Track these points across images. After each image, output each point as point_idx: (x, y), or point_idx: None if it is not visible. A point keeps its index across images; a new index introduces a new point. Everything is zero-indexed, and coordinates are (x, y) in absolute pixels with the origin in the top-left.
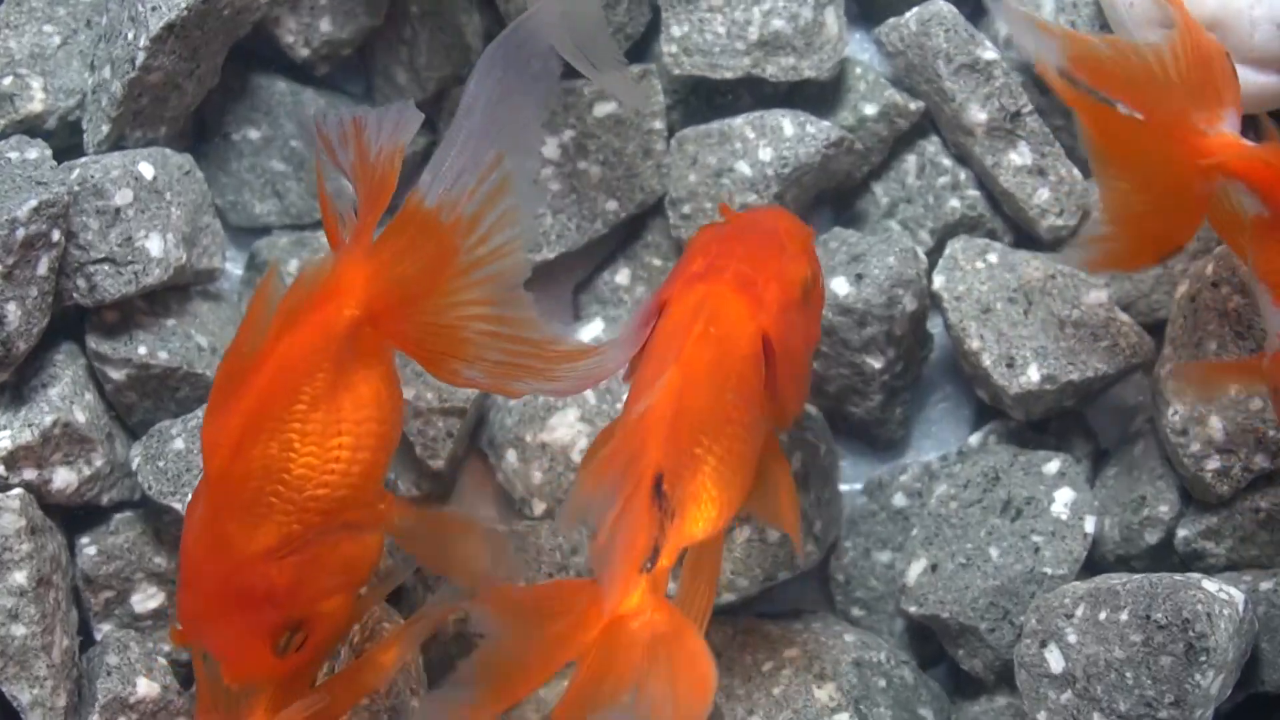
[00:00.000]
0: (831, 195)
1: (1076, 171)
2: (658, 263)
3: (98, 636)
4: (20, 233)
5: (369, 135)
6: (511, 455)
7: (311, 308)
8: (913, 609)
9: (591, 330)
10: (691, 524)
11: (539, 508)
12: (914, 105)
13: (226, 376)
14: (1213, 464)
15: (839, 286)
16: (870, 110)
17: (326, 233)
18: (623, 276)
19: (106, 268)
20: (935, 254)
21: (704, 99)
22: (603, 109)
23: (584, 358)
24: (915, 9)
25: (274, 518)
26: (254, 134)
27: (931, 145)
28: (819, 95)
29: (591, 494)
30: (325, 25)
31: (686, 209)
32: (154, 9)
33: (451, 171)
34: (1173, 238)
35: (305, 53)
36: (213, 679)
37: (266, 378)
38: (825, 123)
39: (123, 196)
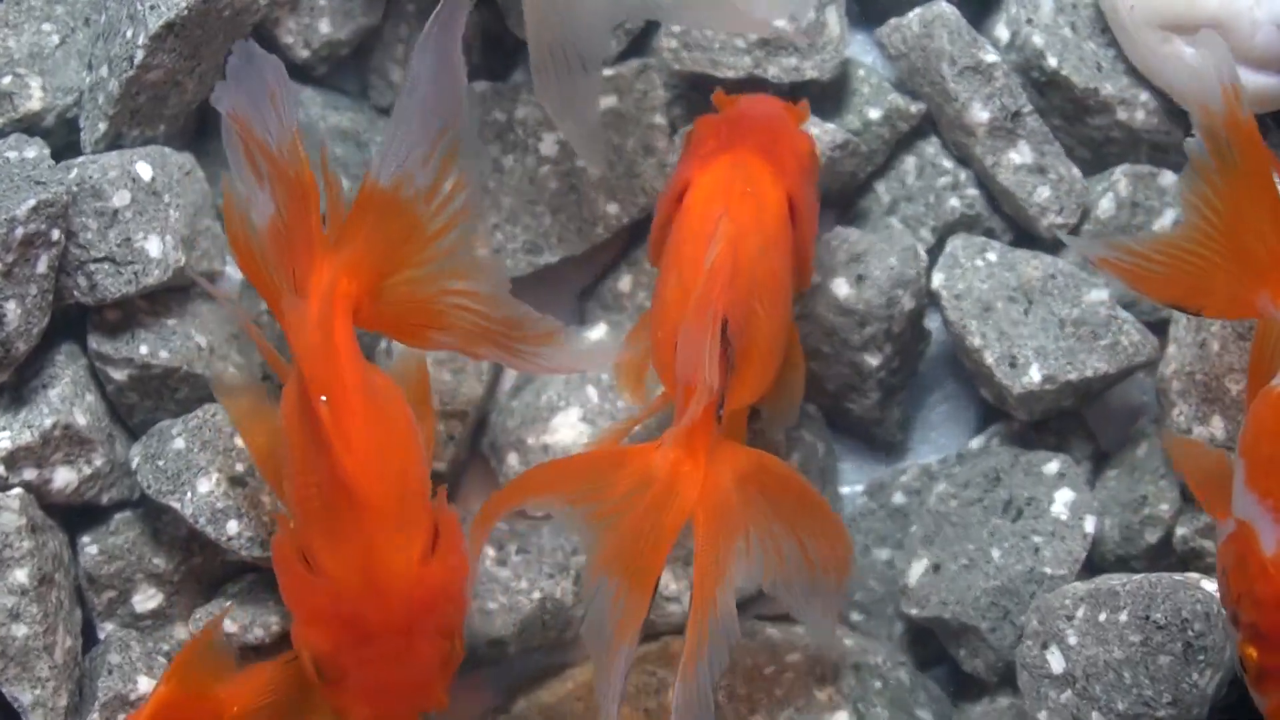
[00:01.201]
0: (835, 195)
1: (1076, 171)
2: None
3: (101, 636)
4: (19, 231)
5: (261, 133)
6: (513, 458)
7: (328, 323)
8: (914, 611)
9: (595, 335)
10: (742, 383)
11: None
12: (915, 108)
13: (307, 423)
14: None
15: (839, 288)
16: (874, 114)
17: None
18: (625, 283)
19: (107, 267)
20: (935, 251)
21: (705, 95)
22: (602, 104)
23: (543, 342)
24: (917, 10)
25: (422, 527)
26: None
27: (930, 147)
28: (821, 96)
29: (687, 345)
30: (324, 26)
31: None
32: (153, 7)
33: (402, 148)
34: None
35: (305, 54)
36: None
37: (355, 399)
38: (831, 125)
39: (120, 198)
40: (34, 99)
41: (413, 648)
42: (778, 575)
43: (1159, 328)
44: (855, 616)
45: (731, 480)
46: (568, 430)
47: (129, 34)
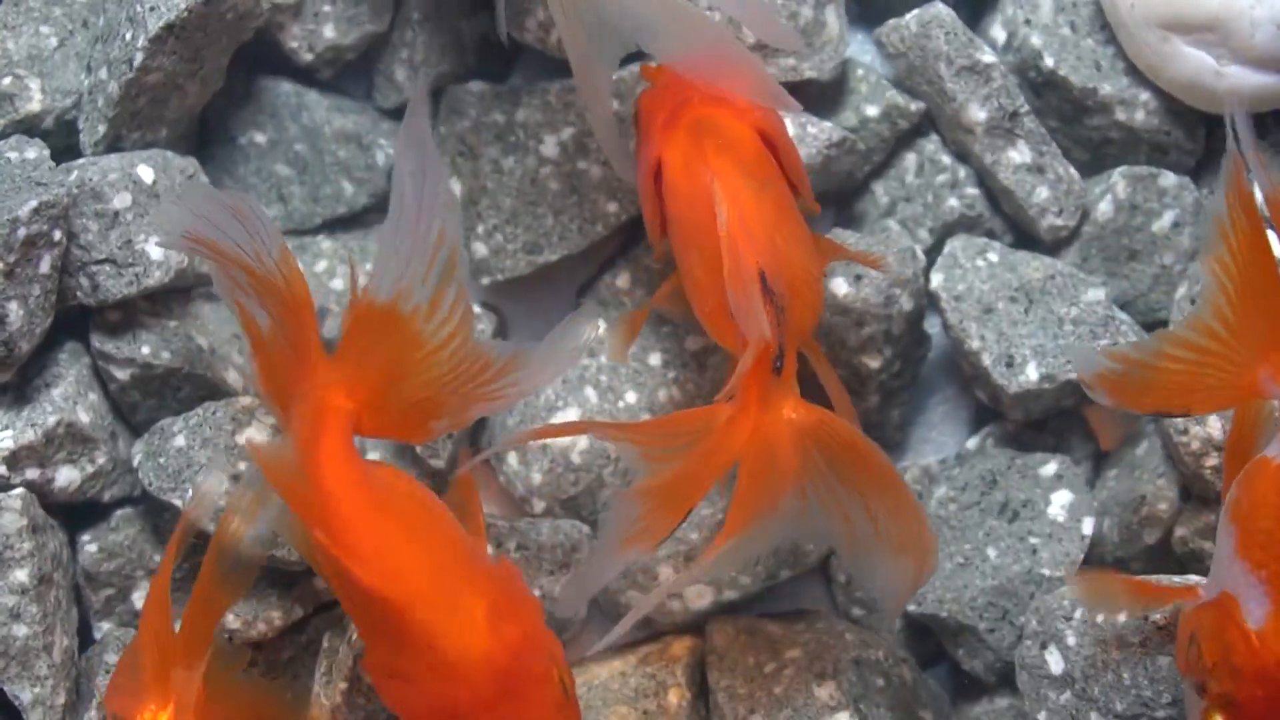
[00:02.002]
0: (833, 195)
1: (1074, 171)
2: (657, 266)
3: (97, 635)
4: (21, 232)
5: (234, 251)
6: (512, 456)
7: (312, 448)
8: (912, 608)
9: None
10: (799, 317)
11: (539, 507)
12: (914, 106)
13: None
14: (1212, 461)
15: (838, 287)
16: (872, 111)
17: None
18: (623, 280)
19: (108, 268)
20: (934, 253)
21: None
22: None
23: (512, 369)
24: (915, 11)
25: (475, 594)
26: (260, 137)
27: (930, 144)
28: (820, 96)
29: (739, 309)
30: (329, 32)
31: None
32: (152, 9)
33: (400, 260)
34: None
35: (309, 58)
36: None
37: (351, 513)
38: (827, 123)
39: (121, 200)
40: (34, 100)
41: (524, 706)
42: (846, 543)
43: (1155, 328)
44: (856, 612)
45: (789, 434)
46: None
47: (128, 36)
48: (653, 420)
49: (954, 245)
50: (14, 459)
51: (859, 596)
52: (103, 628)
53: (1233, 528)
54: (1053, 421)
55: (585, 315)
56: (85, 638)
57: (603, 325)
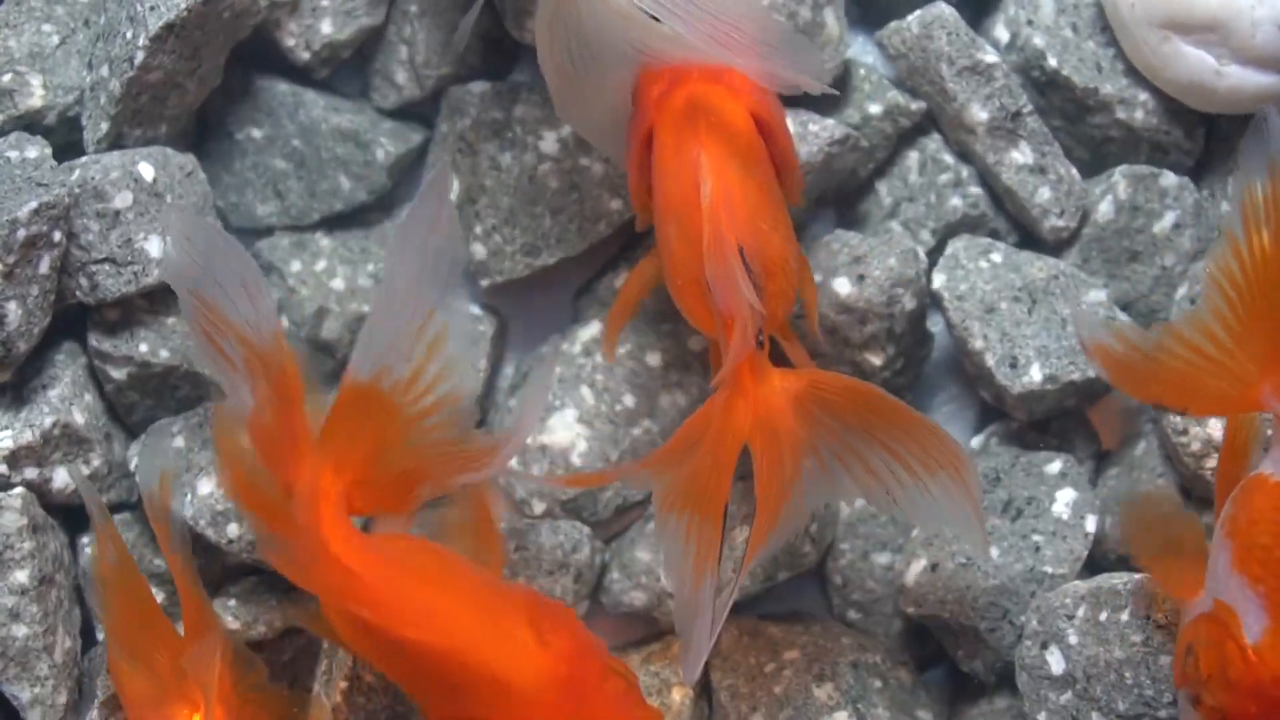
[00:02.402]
0: (834, 195)
1: (1075, 172)
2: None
3: (100, 635)
4: (21, 233)
5: (234, 318)
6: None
7: (314, 533)
8: (912, 609)
9: (589, 331)
10: (772, 301)
11: (539, 508)
12: (915, 105)
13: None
14: (1211, 461)
15: (840, 286)
16: (875, 109)
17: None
18: (622, 281)
19: (107, 267)
20: (936, 253)
21: None
22: None
23: (501, 447)
24: (917, 12)
25: (516, 625)
26: (256, 133)
27: (933, 143)
28: (822, 95)
29: (716, 287)
30: (326, 28)
31: None
32: (153, 8)
33: (382, 340)
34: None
35: (306, 55)
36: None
37: (371, 585)
38: (829, 120)
39: (122, 199)
40: (35, 96)
41: (597, 707)
42: (878, 489)
43: None
44: (851, 615)
45: (786, 402)
46: (564, 431)
47: (129, 35)
48: (665, 445)
49: (956, 246)
50: (13, 459)
51: (855, 599)
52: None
53: (1229, 542)
54: (1055, 422)
55: (546, 360)
56: (87, 638)
57: (599, 328)
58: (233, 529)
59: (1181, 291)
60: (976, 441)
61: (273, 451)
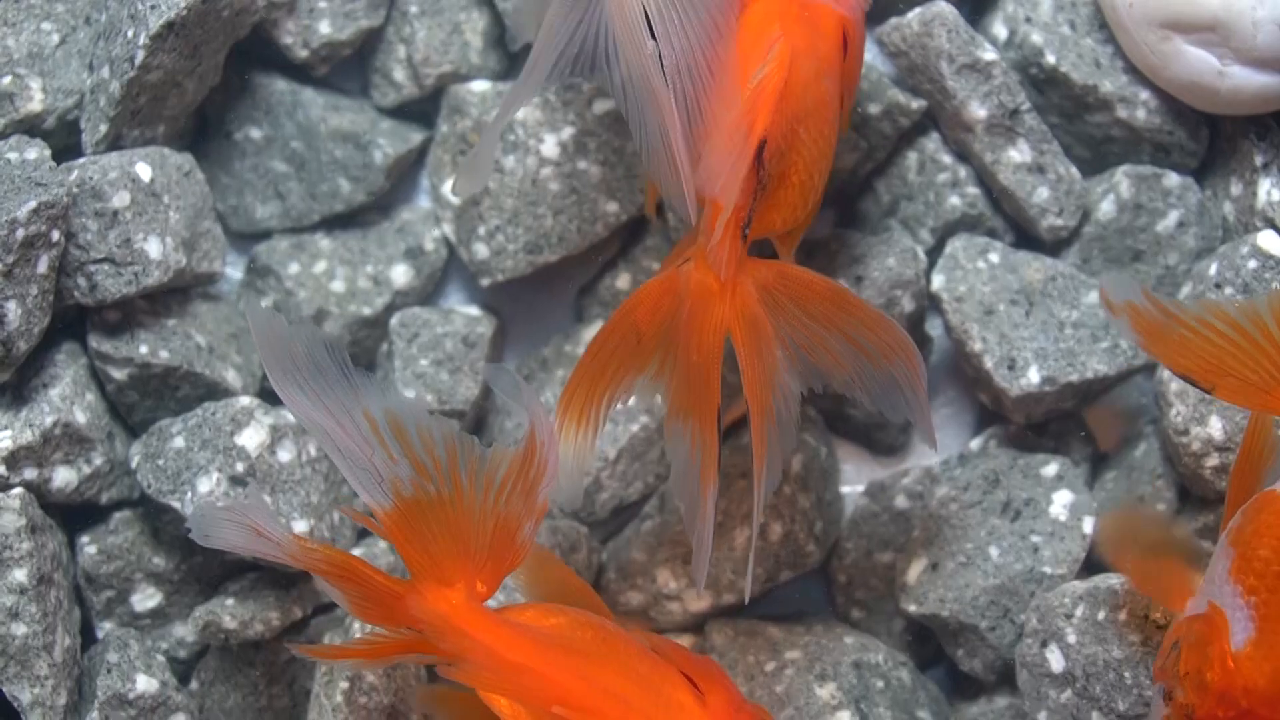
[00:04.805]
0: (834, 195)
1: (1075, 171)
2: (657, 266)
3: (99, 635)
4: (20, 233)
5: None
6: None
7: (474, 632)
8: (912, 608)
9: (591, 331)
10: (774, 206)
11: None
12: (915, 104)
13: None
14: (1212, 461)
15: None
16: (873, 109)
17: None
18: (623, 281)
19: (107, 268)
20: (935, 252)
21: None
22: (602, 106)
23: (536, 440)
24: (917, 10)
25: (672, 687)
26: (255, 133)
27: (931, 142)
28: None
29: (716, 159)
30: (324, 27)
31: None
32: (153, 7)
33: (357, 472)
34: None
35: (304, 54)
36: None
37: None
38: None
39: (120, 199)
40: (34, 100)
41: None
42: (841, 375)
43: None
44: (855, 614)
45: (755, 292)
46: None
47: (130, 33)
48: (607, 327)
49: (955, 246)
50: (13, 459)
51: (859, 597)
52: (104, 628)
53: (1231, 550)
54: (1053, 424)
55: (502, 372)
56: (87, 639)
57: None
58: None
59: (1185, 290)
60: (975, 444)
61: (380, 613)
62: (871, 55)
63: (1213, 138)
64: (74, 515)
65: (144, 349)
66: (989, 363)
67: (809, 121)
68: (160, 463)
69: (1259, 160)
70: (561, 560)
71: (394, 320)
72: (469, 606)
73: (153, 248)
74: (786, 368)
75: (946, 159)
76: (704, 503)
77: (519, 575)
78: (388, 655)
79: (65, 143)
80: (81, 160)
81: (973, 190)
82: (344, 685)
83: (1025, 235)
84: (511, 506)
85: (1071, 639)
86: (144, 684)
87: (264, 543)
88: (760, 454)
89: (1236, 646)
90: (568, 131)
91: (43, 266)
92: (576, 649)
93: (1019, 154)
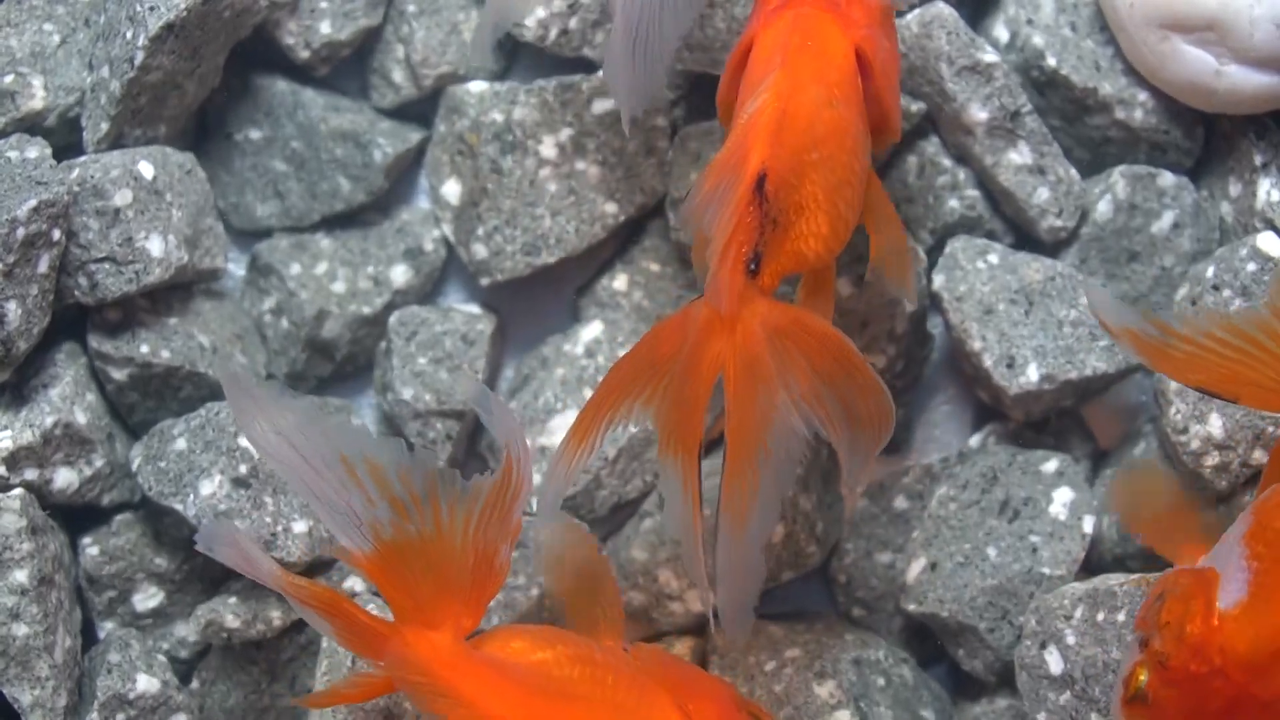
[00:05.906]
0: None
1: (1074, 172)
2: (655, 268)
3: (100, 635)
4: (20, 232)
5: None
6: None
7: (452, 675)
8: (912, 607)
9: (590, 332)
10: (798, 238)
11: (537, 506)
12: (915, 107)
13: None
14: (1211, 460)
15: (841, 287)
16: None
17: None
18: (620, 282)
19: (108, 266)
20: (935, 253)
21: (707, 96)
22: (601, 106)
23: (512, 463)
24: (916, 11)
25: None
26: (255, 134)
27: (930, 146)
28: None
29: (704, 195)
30: (325, 28)
31: None
32: (152, 9)
33: (335, 515)
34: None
35: (305, 54)
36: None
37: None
38: None
39: (122, 197)
40: (36, 98)
41: None
42: (819, 426)
43: None
44: (857, 612)
45: (763, 335)
46: (565, 432)
47: (129, 35)
48: (627, 355)
49: (955, 246)
50: (13, 459)
51: (860, 596)
52: (106, 628)
53: (1250, 517)
54: (1052, 421)
55: (476, 387)
56: (88, 640)
57: (601, 328)
58: (236, 526)
59: (1182, 292)
60: (974, 441)
61: (367, 650)
62: None
63: (1209, 137)
64: (75, 517)
65: (145, 349)
66: (988, 361)
67: (822, 150)
68: (162, 465)
69: (1258, 160)
70: (593, 538)
71: (392, 319)
72: (454, 651)
73: (155, 246)
74: (792, 411)
75: (946, 162)
76: (694, 538)
77: (543, 549)
78: (376, 695)
79: (67, 141)
80: (83, 159)
81: (972, 193)
82: None
83: (1024, 237)
84: (490, 534)
85: (1070, 641)
86: (145, 684)
87: (257, 571)
88: (728, 493)
89: (1225, 606)
90: (566, 132)
91: (43, 266)
92: (564, 692)
93: (1019, 156)
